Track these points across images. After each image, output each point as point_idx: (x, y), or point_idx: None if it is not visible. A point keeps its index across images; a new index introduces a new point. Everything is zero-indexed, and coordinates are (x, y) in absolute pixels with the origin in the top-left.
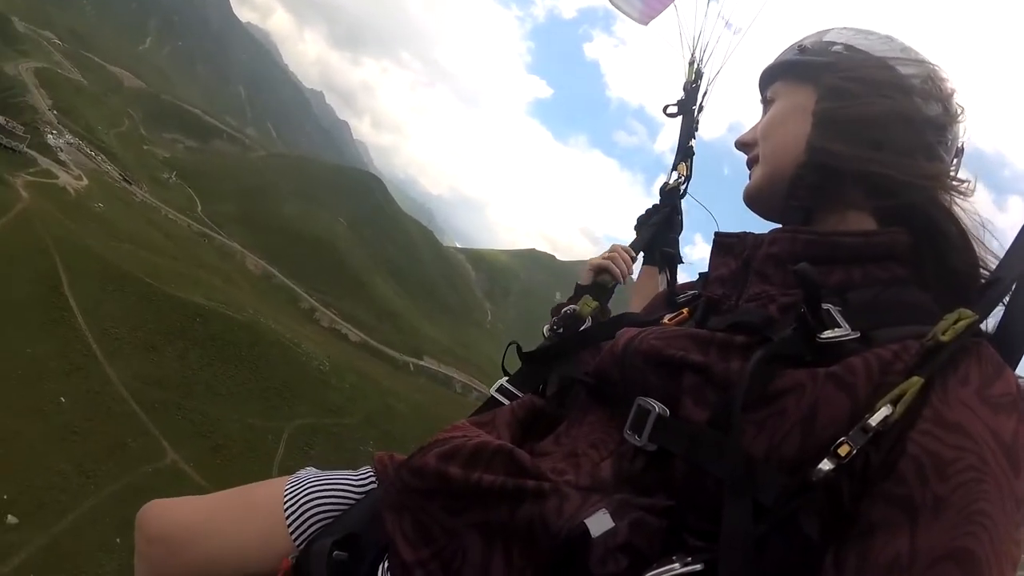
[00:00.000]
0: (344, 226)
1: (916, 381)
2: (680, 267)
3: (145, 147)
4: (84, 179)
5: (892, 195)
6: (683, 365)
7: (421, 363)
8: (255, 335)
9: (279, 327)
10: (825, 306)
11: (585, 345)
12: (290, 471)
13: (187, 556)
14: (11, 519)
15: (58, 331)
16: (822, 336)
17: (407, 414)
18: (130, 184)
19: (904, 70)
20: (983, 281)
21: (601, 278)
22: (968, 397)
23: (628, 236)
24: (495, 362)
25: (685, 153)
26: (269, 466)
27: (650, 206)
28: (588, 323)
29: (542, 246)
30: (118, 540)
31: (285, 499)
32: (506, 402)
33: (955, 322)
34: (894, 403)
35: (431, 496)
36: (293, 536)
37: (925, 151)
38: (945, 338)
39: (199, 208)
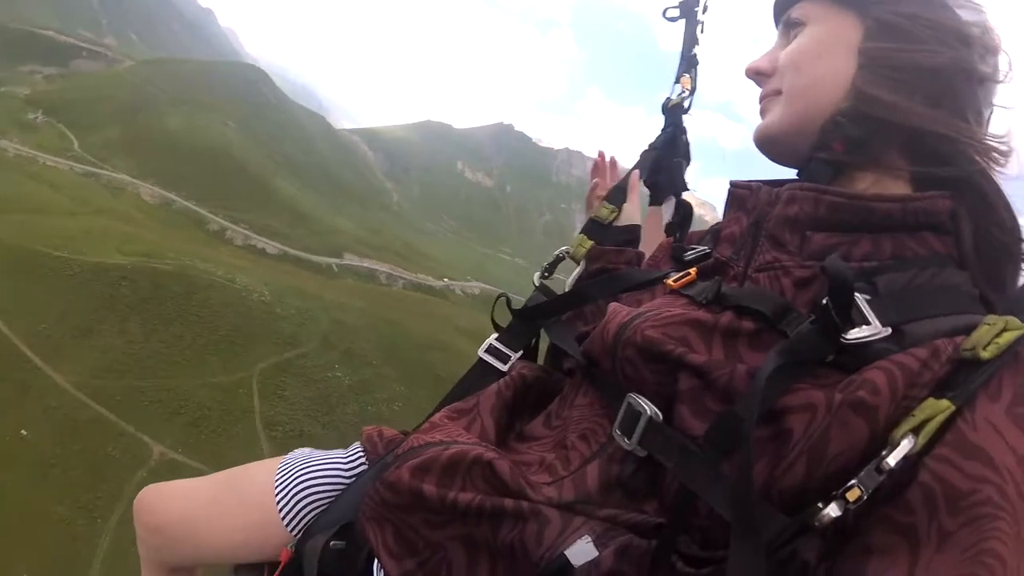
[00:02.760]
0: (234, 129)
1: (945, 408)
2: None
3: (2, 89)
4: None
5: (941, 160)
6: (680, 364)
7: (343, 262)
8: (188, 283)
9: (208, 265)
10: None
11: (576, 304)
12: (274, 423)
13: (186, 547)
14: None
15: None
16: (847, 337)
17: (359, 325)
18: None
19: (965, 15)
20: None
21: (595, 213)
22: (996, 415)
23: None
24: (410, 245)
25: (689, 63)
26: (252, 424)
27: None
28: (583, 266)
29: (437, 116)
30: None
31: (276, 487)
32: (496, 363)
33: (999, 333)
34: (916, 432)
35: (410, 511)
36: (287, 524)
37: (976, 114)
38: (986, 355)
39: (76, 145)
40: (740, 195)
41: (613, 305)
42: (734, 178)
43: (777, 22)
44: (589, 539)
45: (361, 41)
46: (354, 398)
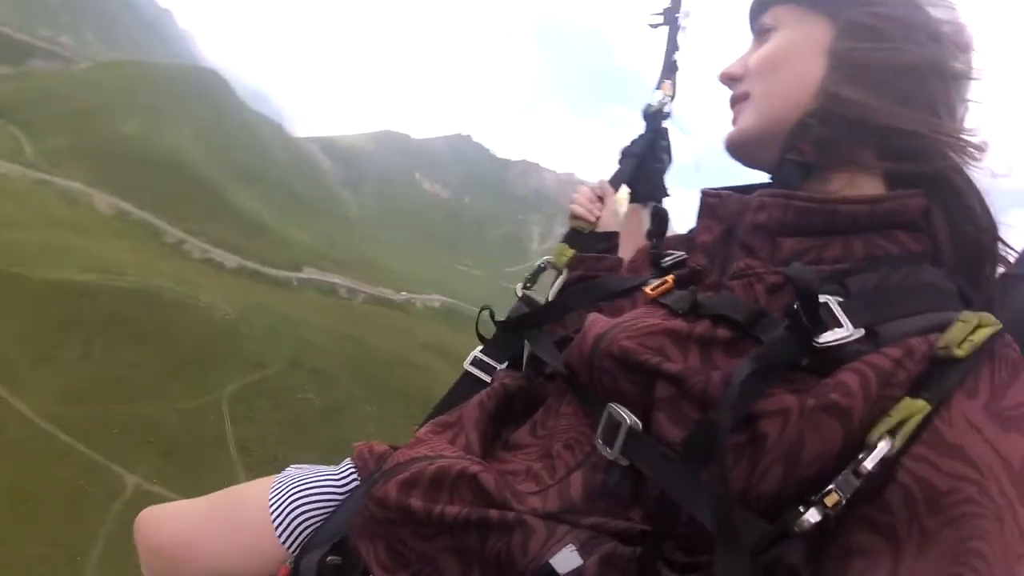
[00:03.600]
0: (191, 136)
1: (921, 408)
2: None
3: None
4: None
5: (912, 157)
6: (656, 373)
7: (303, 276)
8: (150, 302)
9: (170, 282)
10: (822, 299)
11: (558, 315)
12: (248, 448)
13: (187, 568)
14: None
15: None
16: (820, 341)
17: (323, 344)
18: None
19: (935, 13)
20: (1004, 271)
21: (575, 223)
22: (974, 412)
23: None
24: (368, 257)
25: (670, 69)
26: (226, 450)
27: (637, 135)
28: (564, 276)
29: (395, 126)
30: None
31: (271, 507)
32: (481, 375)
33: (973, 330)
34: (892, 433)
35: (399, 525)
36: (284, 543)
37: (949, 110)
38: (960, 352)
39: (28, 150)
40: (711, 204)
41: (591, 316)
42: (704, 186)
43: (752, 28)
44: (573, 548)
45: (318, 48)
46: (326, 420)
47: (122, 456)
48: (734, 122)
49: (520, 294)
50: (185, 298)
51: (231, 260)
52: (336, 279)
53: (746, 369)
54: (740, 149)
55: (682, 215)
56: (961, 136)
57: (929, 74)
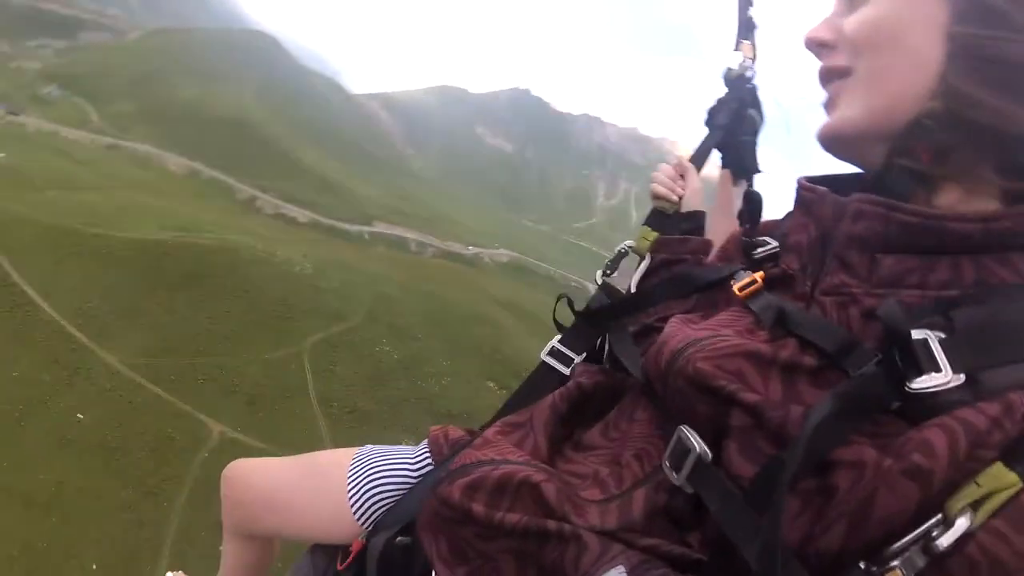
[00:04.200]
0: (252, 97)
1: (1012, 483)
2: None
3: (13, 64)
4: None
5: None
6: (732, 401)
7: (374, 230)
8: (230, 257)
9: (248, 238)
10: (921, 335)
11: (641, 308)
12: (328, 399)
13: (265, 523)
14: None
15: (32, 335)
16: (913, 386)
17: (400, 298)
18: (17, 115)
19: None
20: None
21: (657, 203)
22: None
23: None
24: (435, 211)
25: (747, 27)
26: (307, 401)
27: (721, 96)
28: (648, 261)
29: (452, 80)
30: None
31: (349, 483)
32: (559, 366)
33: None
34: (975, 507)
35: (462, 525)
36: (358, 518)
37: None
38: None
39: (95, 116)
40: (807, 199)
41: (670, 324)
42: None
43: None
44: (623, 570)
45: (367, 3)
46: (404, 373)
47: (207, 405)
48: (831, 106)
49: (600, 281)
50: (263, 254)
51: (303, 215)
52: (406, 233)
53: (826, 408)
54: (840, 144)
55: (775, 188)
56: None
57: None
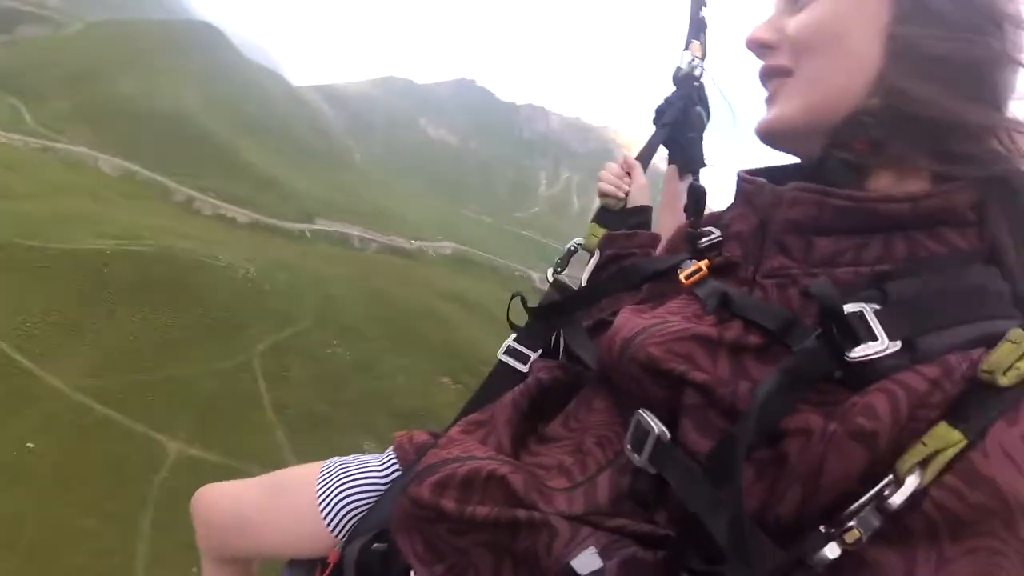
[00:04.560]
0: (192, 91)
1: (957, 440)
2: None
3: None
4: None
5: (969, 160)
6: (684, 382)
7: (315, 227)
8: (171, 265)
9: (188, 243)
10: (856, 308)
11: (591, 301)
12: (284, 407)
13: (239, 545)
14: None
15: None
16: (851, 355)
17: (347, 297)
18: None
19: None
20: None
21: (604, 201)
22: (1012, 442)
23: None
24: (377, 205)
25: (698, 27)
26: (263, 409)
27: (669, 94)
28: (597, 256)
29: (397, 72)
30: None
31: (318, 496)
32: (515, 364)
33: (1021, 355)
34: (924, 465)
35: (434, 522)
36: (332, 530)
37: (1006, 103)
38: (1005, 381)
39: (27, 118)
40: (747, 190)
41: (621, 315)
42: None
43: None
44: (595, 550)
45: None
46: (357, 374)
47: (161, 422)
48: (770, 102)
49: (551, 279)
50: (205, 259)
51: (243, 215)
52: (348, 229)
53: (772, 382)
54: (778, 138)
55: (721, 181)
56: (1019, 130)
57: (994, 67)
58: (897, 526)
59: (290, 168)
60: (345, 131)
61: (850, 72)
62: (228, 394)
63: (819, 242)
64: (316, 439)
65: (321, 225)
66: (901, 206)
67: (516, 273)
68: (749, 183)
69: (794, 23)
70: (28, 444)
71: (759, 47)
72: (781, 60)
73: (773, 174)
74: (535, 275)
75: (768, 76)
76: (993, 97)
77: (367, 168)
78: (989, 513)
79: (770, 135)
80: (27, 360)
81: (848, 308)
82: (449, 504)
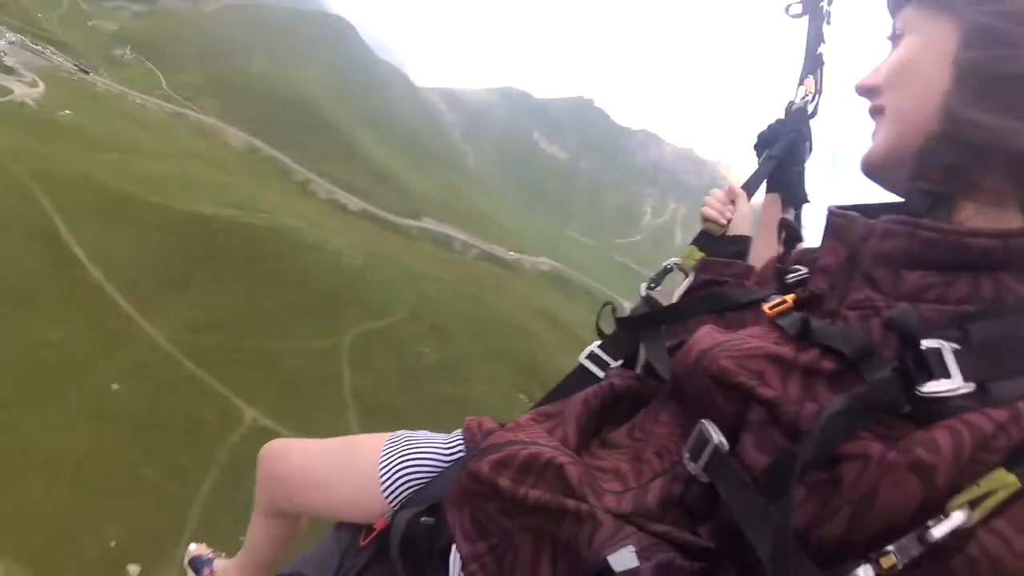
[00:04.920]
0: (319, 80)
1: (1011, 483)
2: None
3: (91, 23)
4: (39, 83)
5: None
6: (751, 396)
7: (421, 224)
8: (282, 241)
9: (300, 222)
10: (935, 344)
11: (677, 319)
12: (362, 396)
13: (298, 499)
14: (132, 569)
15: (76, 297)
16: (923, 390)
17: (443, 298)
18: (88, 73)
19: None
20: None
21: (706, 225)
22: None
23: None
24: (483, 212)
25: (814, 63)
26: (341, 394)
27: (774, 121)
28: (691, 279)
29: (517, 83)
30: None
31: (380, 462)
32: (595, 370)
33: None
34: (972, 504)
35: (487, 499)
36: (387, 497)
37: None
38: None
39: (164, 83)
40: (837, 224)
41: (701, 329)
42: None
43: (890, 36)
44: (633, 549)
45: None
46: (440, 375)
47: (243, 389)
48: (871, 138)
49: (644, 294)
50: (315, 241)
51: (355, 203)
52: (452, 231)
53: (839, 406)
54: (874, 171)
55: (819, 218)
56: None
57: None
58: (941, 566)
59: (405, 164)
60: (461, 135)
61: (922, 102)
62: (312, 373)
63: (908, 276)
64: (386, 431)
65: (427, 224)
66: (991, 242)
67: (609, 299)
68: (840, 217)
69: (885, 65)
70: (113, 386)
71: (865, 91)
72: (878, 101)
73: (865, 211)
74: (627, 304)
75: (872, 116)
76: None
77: (478, 174)
78: None
79: (867, 167)
80: (129, 306)
81: (927, 344)
82: (505, 482)
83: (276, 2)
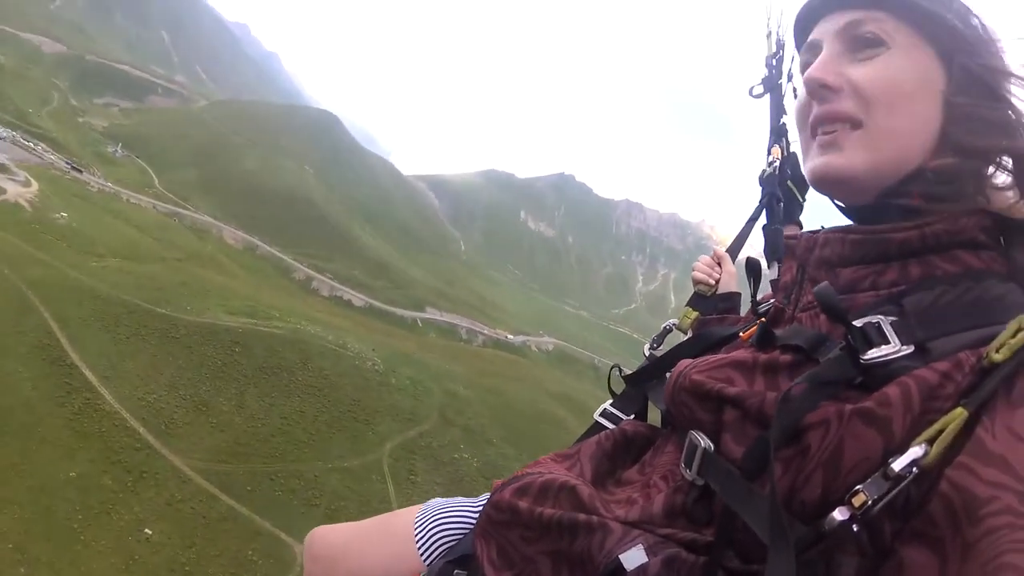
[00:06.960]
0: (311, 174)
1: (959, 414)
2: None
3: (81, 119)
4: (32, 182)
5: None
6: (722, 399)
7: (426, 316)
8: (301, 350)
9: (316, 327)
10: (874, 319)
11: (669, 365)
12: None
13: (339, 570)
14: None
15: (90, 428)
16: (865, 357)
17: (467, 396)
18: (81, 172)
19: (1010, 58)
20: None
21: (697, 288)
22: (1018, 421)
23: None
24: (482, 296)
25: (778, 133)
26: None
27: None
28: (690, 336)
29: (499, 164)
30: None
31: (416, 525)
32: (609, 426)
33: (1014, 333)
34: (930, 442)
35: (510, 527)
36: (423, 556)
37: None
38: (998, 357)
39: (156, 181)
40: (790, 245)
41: (681, 361)
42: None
43: (820, 15)
44: (642, 547)
45: (420, 88)
46: (483, 481)
47: (287, 521)
48: (830, 147)
49: (647, 354)
50: (334, 346)
51: (358, 299)
52: (456, 320)
53: (795, 384)
54: (833, 184)
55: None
56: None
57: (1021, 128)
58: (922, 517)
59: (400, 254)
60: (449, 219)
61: (918, 133)
62: (356, 495)
63: (843, 272)
64: None
65: (431, 314)
66: (909, 233)
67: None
68: (791, 238)
69: (864, 75)
70: (146, 531)
71: (820, 87)
72: (847, 107)
73: (811, 232)
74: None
75: (831, 120)
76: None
77: (470, 258)
78: (1001, 487)
79: (825, 180)
80: (151, 435)
81: (867, 320)
82: (525, 505)
83: (263, 98)
